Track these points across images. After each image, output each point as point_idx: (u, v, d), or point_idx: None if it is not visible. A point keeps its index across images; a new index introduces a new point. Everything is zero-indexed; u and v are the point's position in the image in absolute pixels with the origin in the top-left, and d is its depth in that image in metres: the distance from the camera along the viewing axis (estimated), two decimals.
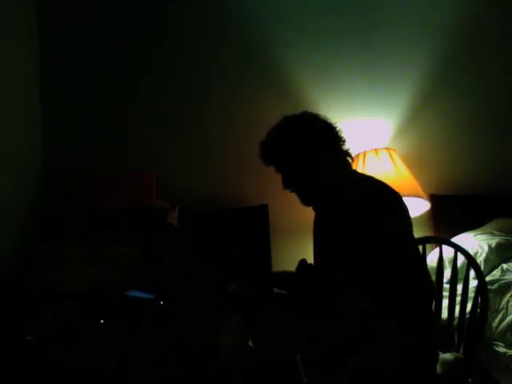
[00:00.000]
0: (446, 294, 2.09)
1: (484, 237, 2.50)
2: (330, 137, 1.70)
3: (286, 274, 1.81)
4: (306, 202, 1.73)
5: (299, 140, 1.66)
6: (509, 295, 2.14)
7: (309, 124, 1.70)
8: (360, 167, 2.60)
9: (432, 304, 1.68)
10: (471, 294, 1.98)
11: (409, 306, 1.49)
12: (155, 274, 1.98)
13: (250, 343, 1.61)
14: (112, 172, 2.68)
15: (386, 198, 1.59)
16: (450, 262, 2.24)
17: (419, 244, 2.17)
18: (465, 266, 2.04)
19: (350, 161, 1.74)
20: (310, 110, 1.77)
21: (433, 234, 2.71)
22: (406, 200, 2.50)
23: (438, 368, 1.66)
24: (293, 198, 1.77)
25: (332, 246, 1.62)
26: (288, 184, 1.71)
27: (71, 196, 2.57)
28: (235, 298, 1.72)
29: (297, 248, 2.60)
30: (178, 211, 2.51)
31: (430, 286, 1.64)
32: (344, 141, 1.72)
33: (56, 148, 2.78)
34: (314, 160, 1.66)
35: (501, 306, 2.13)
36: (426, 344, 1.54)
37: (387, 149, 2.67)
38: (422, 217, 2.67)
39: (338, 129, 1.73)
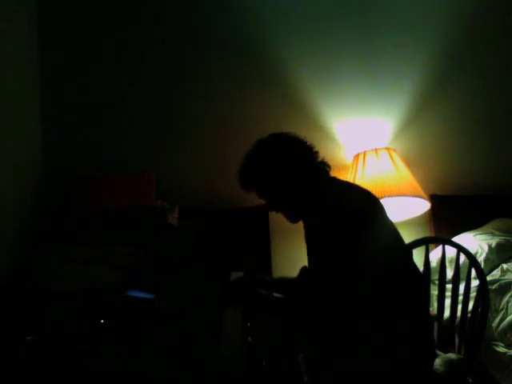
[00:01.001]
0: (447, 293, 2.09)
1: (484, 237, 2.50)
2: (302, 153, 1.71)
3: (285, 280, 1.82)
4: (292, 220, 1.76)
5: (273, 164, 1.68)
6: (509, 295, 2.14)
7: (279, 146, 1.71)
8: (360, 167, 2.60)
9: (429, 304, 1.68)
10: (472, 294, 1.99)
11: (406, 306, 1.49)
12: (155, 273, 1.98)
13: (250, 340, 1.61)
14: (112, 172, 2.69)
15: (363, 205, 1.60)
16: (450, 262, 2.25)
17: (421, 244, 2.18)
18: (466, 266, 2.05)
19: (328, 169, 1.75)
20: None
21: (433, 234, 2.71)
22: (406, 200, 2.53)
23: (440, 368, 1.66)
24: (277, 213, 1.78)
25: (316, 256, 1.63)
26: (272, 207, 1.75)
27: (71, 196, 2.57)
28: (236, 287, 1.74)
29: (297, 248, 2.59)
30: (178, 211, 2.51)
31: (425, 286, 1.65)
32: (317, 153, 1.74)
33: (56, 148, 2.78)
34: (292, 180, 1.67)
35: (501, 306, 2.13)
36: (423, 343, 1.54)
37: (387, 149, 2.67)
38: (421, 217, 2.68)
39: (308, 143, 1.74)
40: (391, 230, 1.63)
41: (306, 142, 1.74)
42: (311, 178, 1.68)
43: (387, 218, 1.64)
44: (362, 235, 1.48)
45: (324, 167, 1.73)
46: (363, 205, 1.58)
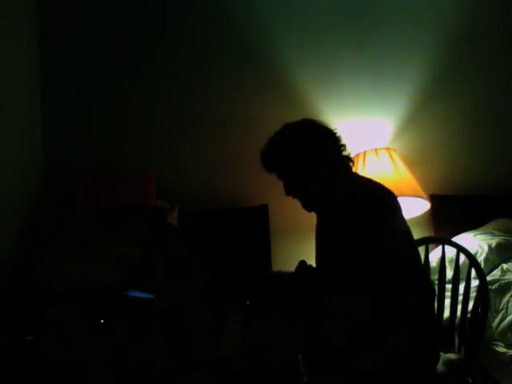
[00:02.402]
0: (447, 293, 2.09)
1: (484, 237, 2.50)
2: (330, 143, 1.71)
3: (282, 275, 1.82)
4: (308, 207, 1.74)
5: (300, 148, 1.67)
6: (509, 295, 2.14)
7: (309, 131, 1.70)
8: (360, 167, 2.60)
9: (433, 304, 1.68)
10: (472, 294, 1.99)
11: (409, 306, 1.49)
12: (155, 273, 1.98)
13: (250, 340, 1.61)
14: (112, 172, 2.69)
15: (384, 202, 1.60)
16: (449, 262, 2.25)
17: (421, 244, 2.18)
18: (465, 266, 2.05)
19: (351, 165, 1.74)
20: (307, 115, 1.77)
21: (433, 234, 2.71)
22: (406, 200, 2.53)
23: (440, 368, 1.66)
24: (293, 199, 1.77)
25: (333, 249, 1.62)
26: (290, 191, 1.72)
27: (71, 196, 2.58)
28: (235, 284, 1.74)
29: (297, 248, 2.60)
30: (178, 211, 2.51)
31: (430, 287, 1.65)
32: (344, 146, 1.73)
33: (56, 148, 2.78)
34: (315, 167, 1.67)
35: (501, 306, 2.13)
36: (426, 344, 1.54)
37: (387, 149, 2.67)
38: (421, 217, 2.67)
39: (338, 135, 1.73)
40: (407, 228, 1.63)
41: (334, 134, 1.72)
42: (333, 168, 1.68)
43: (403, 217, 1.64)
44: (381, 229, 1.49)
45: (347, 161, 1.73)
46: (384, 199, 1.59)
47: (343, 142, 1.73)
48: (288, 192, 1.73)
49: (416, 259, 1.62)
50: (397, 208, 1.61)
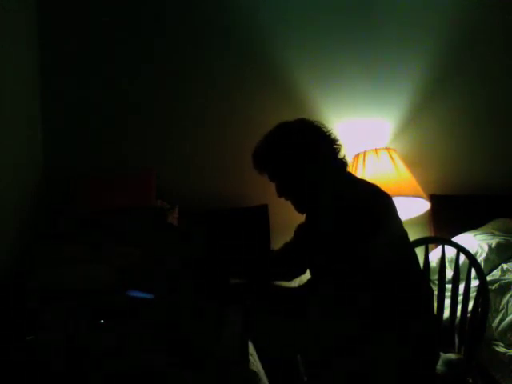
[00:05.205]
0: (447, 293, 2.09)
1: (484, 237, 2.50)
2: (326, 144, 1.69)
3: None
4: (300, 209, 1.73)
5: (297, 148, 1.65)
6: (509, 295, 2.14)
7: (306, 131, 1.69)
8: (360, 167, 2.60)
9: (432, 304, 1.68)
10: (472, 294, 1.99)
11: (408, 307, 1.49)
12: (155, 273, 1.98)
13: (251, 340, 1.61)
14: (112, 172, 2.69)
15: (379, 203, 1.60)
16: (449, 262, 2.25)
17: (421, 244, 2.18)
18: (465, 266, 2.05)
19: (346, 167, 1.73)
20: (307, 114, 1.77)
21: (433, 234, 2.71)
22: (406, 200, 2.53)
23: (440, 368, 1.66)
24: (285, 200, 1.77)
25: (327, 250, 1.61)
26: (283, 192, 1.71)
27: (71, 196, 2.58)
28: (237, 289, 1.74)
29: None
30: (178, 211, 2.51)
31: (428, 287, 1.65)
32: (340, 148, 1.71)
33: (56, 148, 2.78)
34: (311, 168, 1.65)
35: (501, 306, 2.13)
36: (426, 344, 1.54)
37: (387, 149, 2.67)
38: (421, 217, 2.68)
39: (333, 136, 1.71)
40: (402, 228, 1.63)
41: (330, 135, 1.70)
42: (329, 169, 1.66)
43: (398, 218, 1.63)
44: (375, 228, 1.49)
45: (342, 163, 1.71)
46: (379, 199, 1.59)
47: (339, 143, 1.72)
48: (280, 193, 1.71)
49: (412, 259, 1.62)
50: (391, 209, 1.61)
